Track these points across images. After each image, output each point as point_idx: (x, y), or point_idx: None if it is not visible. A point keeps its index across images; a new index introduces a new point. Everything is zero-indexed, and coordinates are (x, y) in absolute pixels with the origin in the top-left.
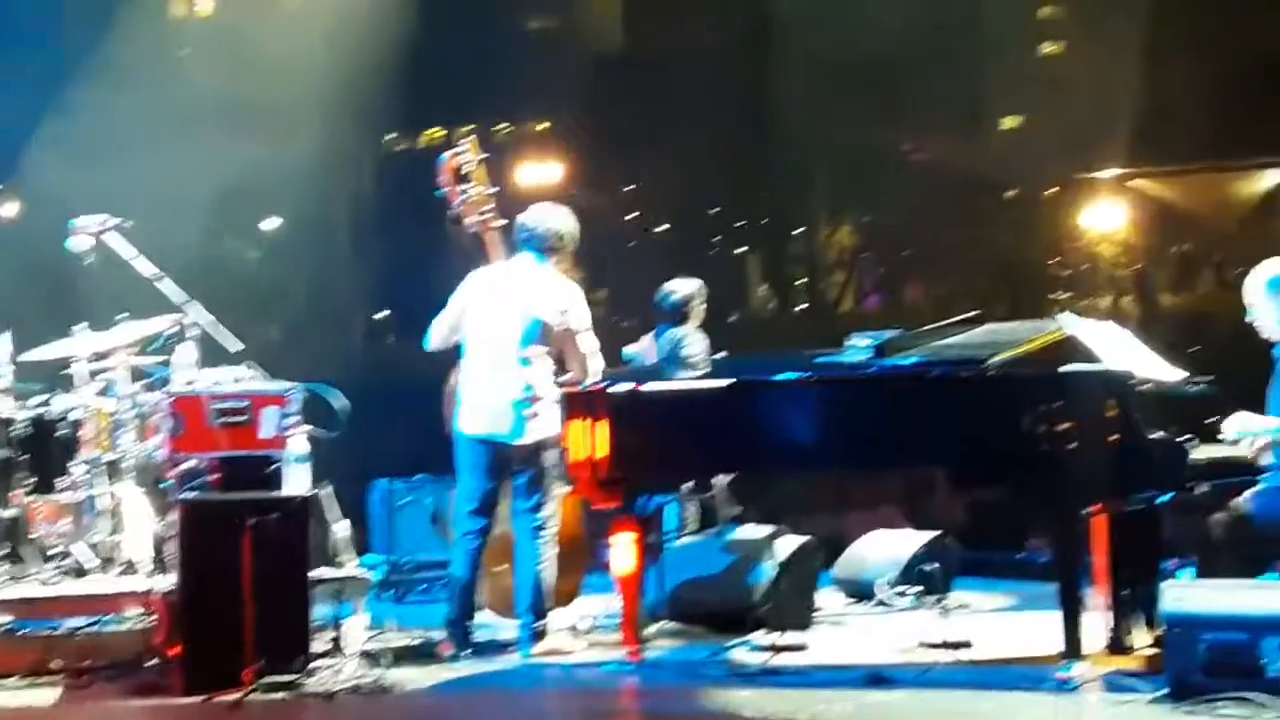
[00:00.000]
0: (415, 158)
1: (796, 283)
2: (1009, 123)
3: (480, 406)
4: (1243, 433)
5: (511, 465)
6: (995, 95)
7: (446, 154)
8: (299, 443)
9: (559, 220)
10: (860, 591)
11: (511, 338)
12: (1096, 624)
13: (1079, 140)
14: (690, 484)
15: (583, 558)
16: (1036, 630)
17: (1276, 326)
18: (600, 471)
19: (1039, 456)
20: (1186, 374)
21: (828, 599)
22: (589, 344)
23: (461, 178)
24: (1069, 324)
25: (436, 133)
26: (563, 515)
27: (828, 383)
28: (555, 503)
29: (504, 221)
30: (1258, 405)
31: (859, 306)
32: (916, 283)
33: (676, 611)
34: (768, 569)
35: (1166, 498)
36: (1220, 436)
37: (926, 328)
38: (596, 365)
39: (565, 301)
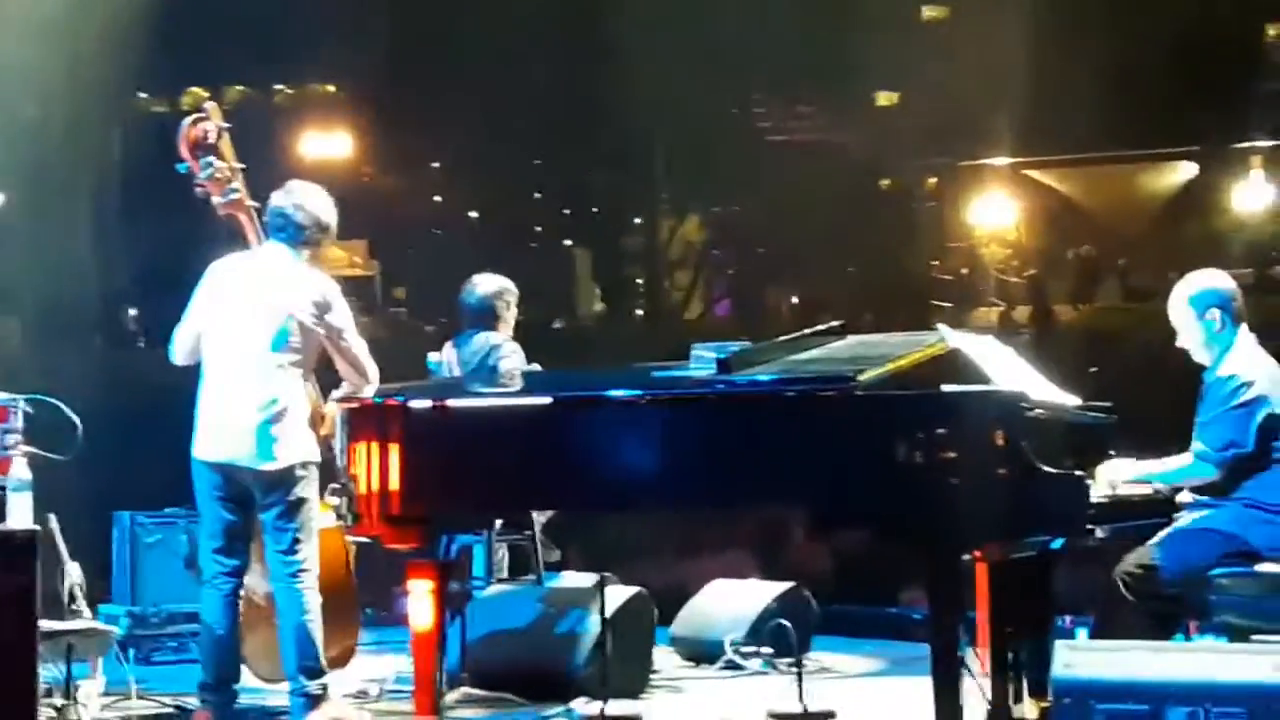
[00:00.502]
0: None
1: (633, 284)
2: (883, 100)
3: (218, 425)
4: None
5: (257, 496)
6: (868, 67)
7: (186, 121)
8: (20, 467)
9: (318, 203)
10: (702, 652)
11: (258, 342)
12: (976, 691)
13: (965, 122)
14: (501, 522)
15: (352, 609)
16: (909, 698)
17: (1205, 349)
18: (392, 505)
19: (913, 492)
20: (1082, 401)
21: (664, 660)
22: (358, 348)
23: (203, 149)
24: (951, 337)
25: (201, 93)
26: (326, 555)
27: (666, 402)
28: (315, 541)
29: (257, 204)
30: (1166, 438)
31: (707, 314)
32: (775, 286)
33: (482, 675)
34: (592, 625)
35: (1060, 543)
36: (1093, 488)
37: (783, 339)
38: (373, 371)
39: (323, 299)
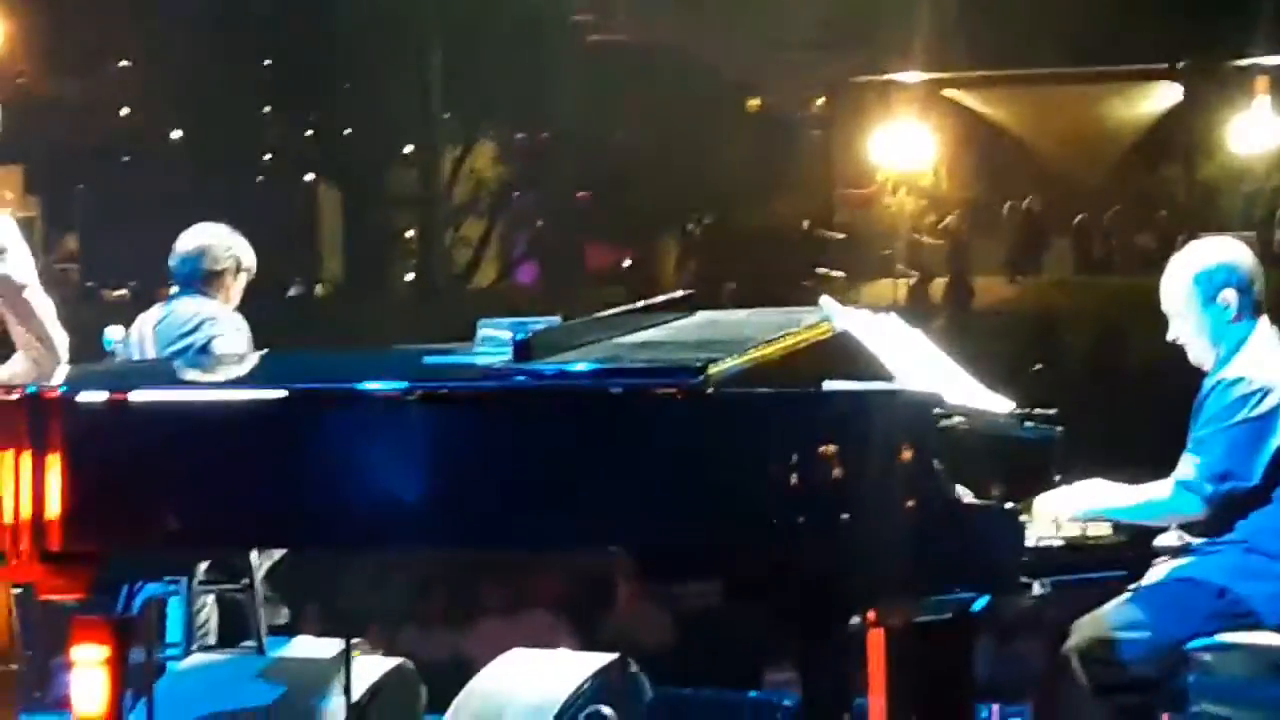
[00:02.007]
0: None
1: (401, 238)
2: None
3: None
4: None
5: None
6: None
7: None
8: None
9: None
10: None
11: None
12: None
13: (864, 22)
14: (207, 565)
15: (10, 680)
16: None
17: (1210, 345)
18: (50, 538)
19: (781, 531)
20: (1020, 406)
21: None
22: (43, 310)
23: None
24: (838, 316)
25: None
26: None
27: (440, 399)
28: None
29: None
30: (1132, 457)
31: (505, 279)
32: (599, 243)
33: None
34: (334, 711)
35: (984, 603)
36: (1030, 527)
37: (605, 314)
38: (63, 342)
39: None
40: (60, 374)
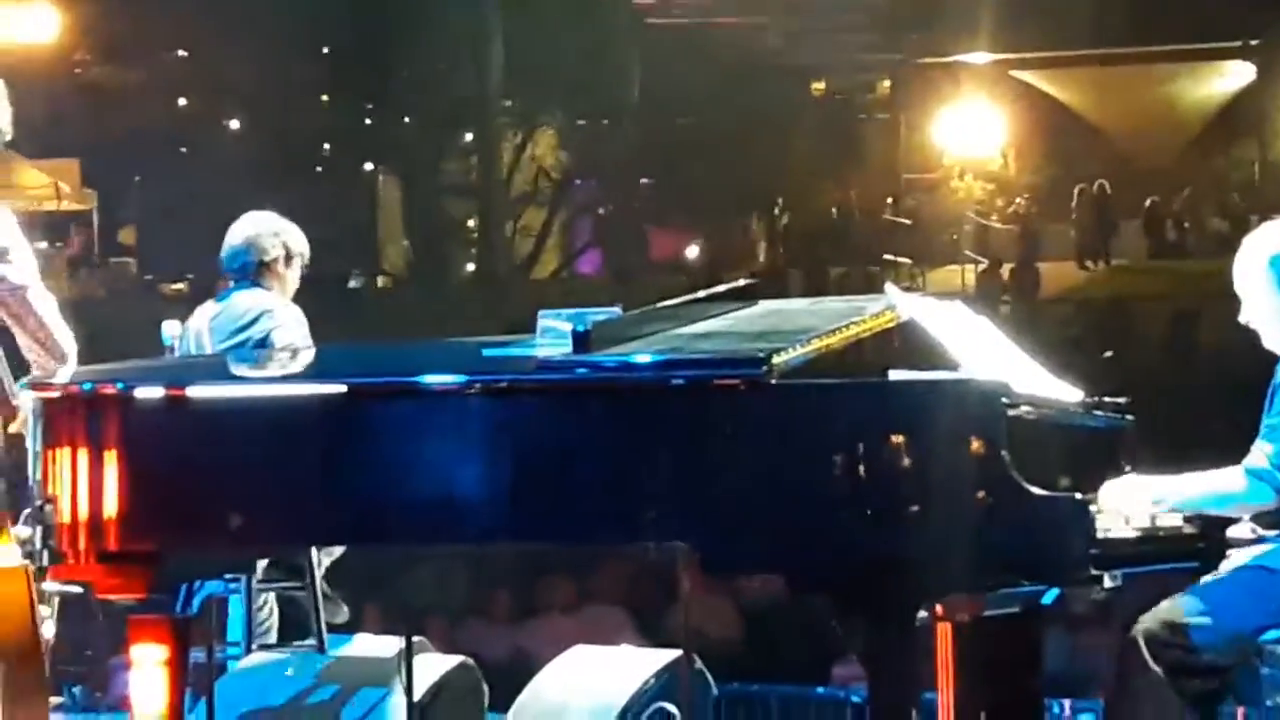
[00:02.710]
0: None
1: (462, 227)
2: None
3: None
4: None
5: None
6: None
7: None
8: None
9: None
10: None
11: None
12: None
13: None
14: (268, 564)
15: (38, 685)
16: None
17: None
18: (108, 538)
19: (847, 524)
20: (1090, 394)
21: None
22: (45, 311)
23: None
24: (904, 304)
25: None
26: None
27: (500, 392)
28: None
29: None
30: (1205, 447)
31: (566, 270)
32: (663, 231)
33: None
34: (395, 709)
35: (1054, 596)
36: (1101, 518)
37: (667, 304)
38: (69, 343)
39: None
40: (110, 369)
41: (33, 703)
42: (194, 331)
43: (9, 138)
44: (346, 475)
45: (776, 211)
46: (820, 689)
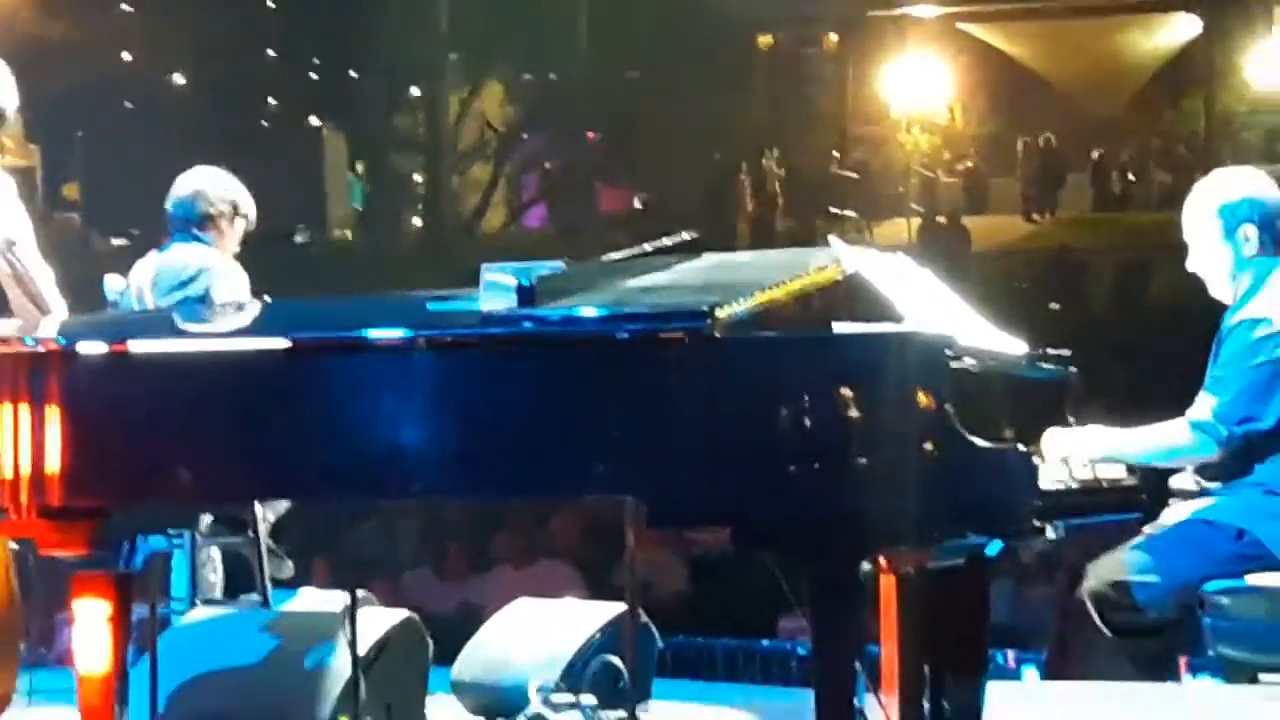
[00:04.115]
0: None
1: (408, 182)
2: None
3: None
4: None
5: None
6: None
7: None
8: None
9: None
10: (498, 702)
11: None
12: None
13: None
14: (212, 519)
15: (13, 639)
16: None
17: (1230, 278)
18: (50, 493)
19: (792, 476)
20: (1035, 347)
21: (445, 714)
22: (40, 274)
23: None
24: (848, 257)
25: None
26: None
27: (445, 346)
28: None
29: None
30: (1150, 398)
31: (513, 224)
32: (610, 186)
33: None
34: (339, 665)
35: (998, 548)
36: (1044, 470)
37: (611, 257)
38: (60, 311)
39: None
40: (56, 324)
41: (7, 665)
42: (136, 286)
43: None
44: (291, 430)
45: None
46: (765, 642)
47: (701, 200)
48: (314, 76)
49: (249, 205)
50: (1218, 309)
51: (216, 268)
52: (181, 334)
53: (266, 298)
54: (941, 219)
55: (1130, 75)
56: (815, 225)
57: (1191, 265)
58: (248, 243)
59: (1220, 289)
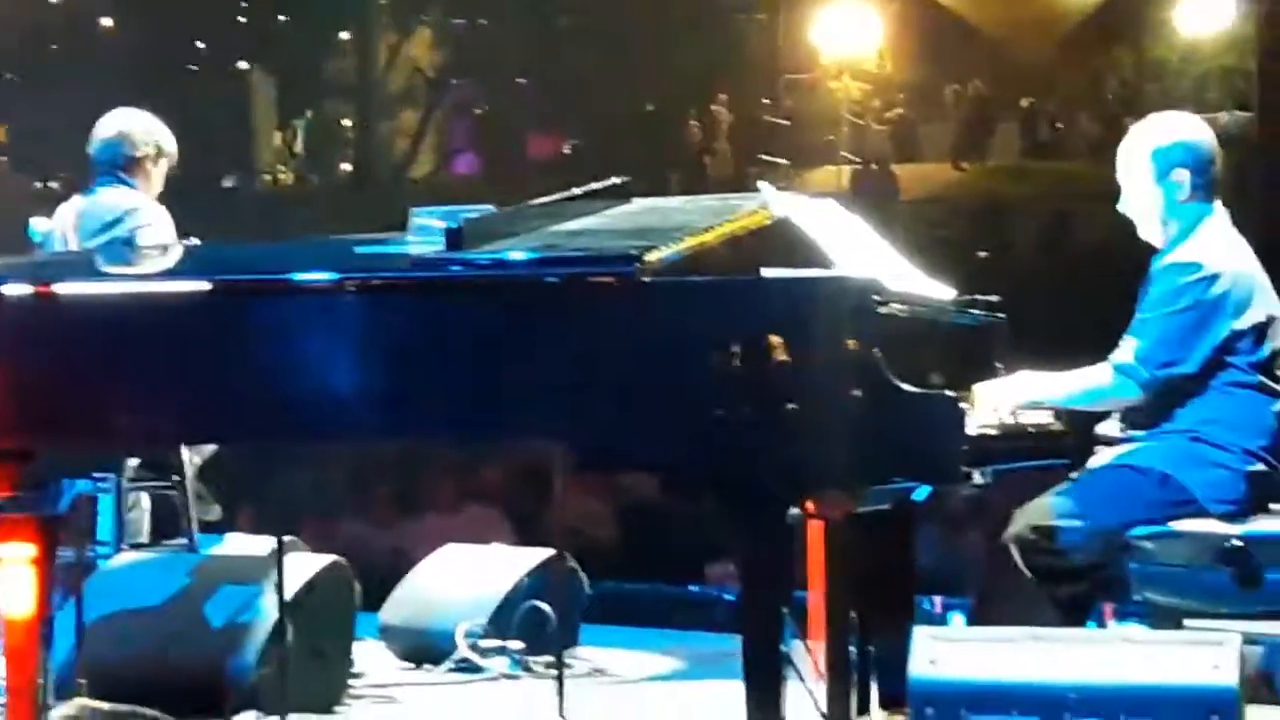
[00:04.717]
0: None
1: (337, 127)
2: None
3: None
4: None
5: None
6: None
7: None
8: None
9: None
10: (426, 648)
11: None
12: (806, 699)
13: None
14: (138, 463)
15: None
16: (712, 709)
17: (1160, 222)
18: None
19: (720, 421)
20: (964, 293)
21: (371, 659)
22: None
23: None
24: (777, 202)
25: None
26: None
27: (372, 289)
28: None
29: None
30: (1078, 345)
31: (442, 170)
32: (539, 132)
33: (106, 680)
34: (266, 610)
35: (925, 493)
36: (971, 415)
37: (541, 201)
38: None
39: None
40: None
41: None
42: (60, 229)
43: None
44: (218, 373)
45: (654, 110)
46: (694, 587)
47: (633, 146)
48: (242, 20)
49: (173, 147)
50: (1144, 256)
51: (142, 210)
52: (106, 276)
53: (193, 239)
54: (873, 166)
55: (1060, 22)
56: (747, 173)
57: (1122, 206)
58: (175, 187)
59: (1149, 231)
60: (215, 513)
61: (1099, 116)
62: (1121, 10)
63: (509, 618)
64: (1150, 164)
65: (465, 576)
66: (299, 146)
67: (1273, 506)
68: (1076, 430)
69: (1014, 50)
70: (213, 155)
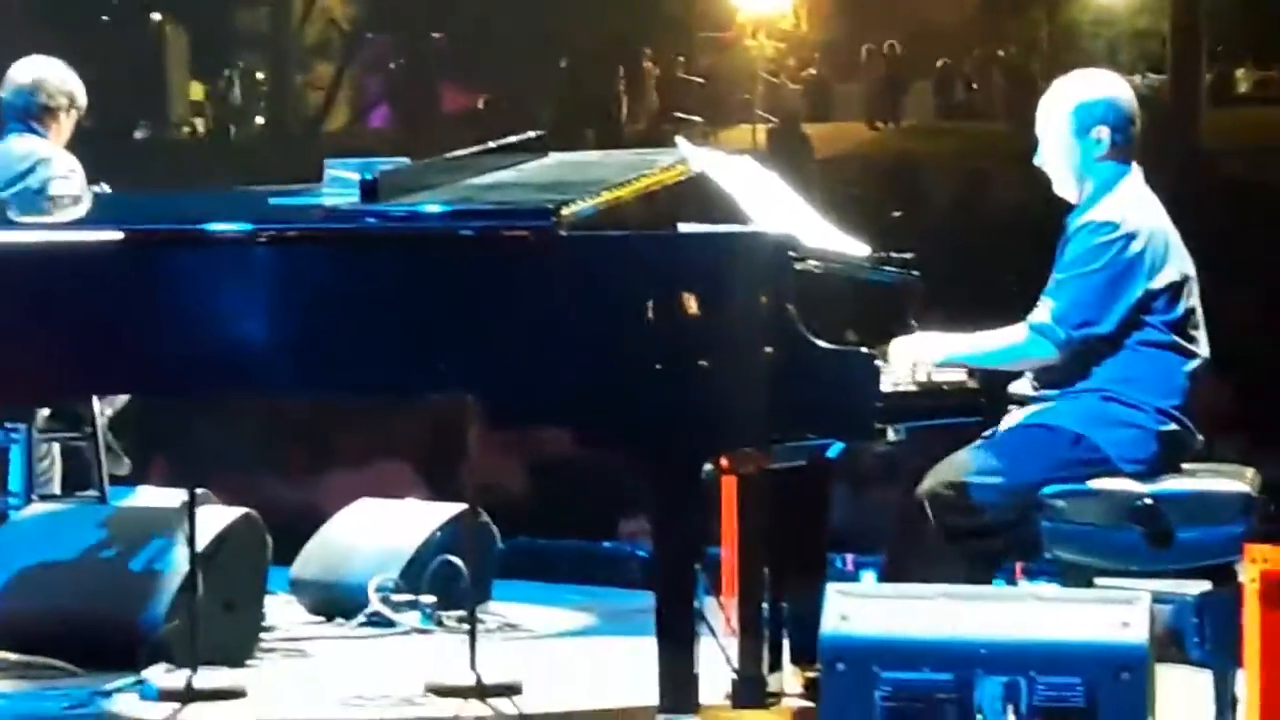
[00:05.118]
0: None
1: (251, 79)
2: None
3: None
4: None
5: None
6: None
7: None
8: None
9: None
10: (337, 601)
11: None
12: (718, 655)
13: None
14: (48, 414)
15: None
16: (624, 665)
17: (1077, 178)
18: None
19: (633, 375)
20: (877, 251)
21: (282, 613)
22: None
23: None
24: (694, 158)
25: None
26: None
27: (285, 241)
28: None
29: None
30: (994, 304)
31: (358, 123)
32: (454, 86)
33: (16, 631)
34: (177, 561)
35: (839, 450)
36: (885, 372)
37: (456, 154)
38: None
39: None
40: None
41: None
42: None
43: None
44: (130, 324)
45: (569, 66)
46: (607, 544)
47: (548, 102)
48: None
49: (83, 98)
50: (1058, 216)
51: (54, 160)
52: (16, 226)
53: (105, 187)
54: (787, 125)
55: None
56: (663, 130)
57: (1038, 160)
58: (85, 138)
59: (1064, 187)
60: (125, 467)
61: (1013, 78)
62: None
63: (421, 572)
64: (1071, 119)
65: (377, 531)
66: (236, 97)
67: (1184, 466)
68: (990, 389)
69: (929, 11)
70: (124, 107)
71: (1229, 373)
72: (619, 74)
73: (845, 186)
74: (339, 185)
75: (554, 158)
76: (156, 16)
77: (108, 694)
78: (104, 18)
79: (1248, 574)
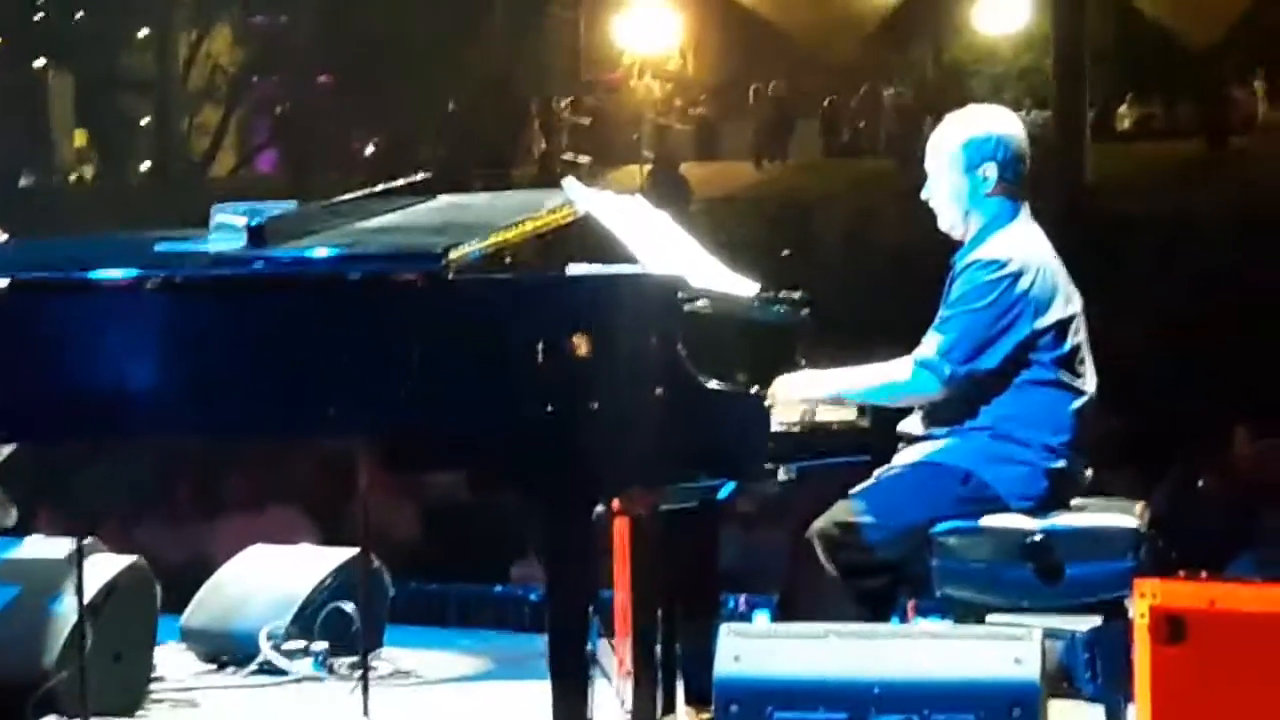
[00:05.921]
0: None
1: (135, 126)
2: None
3: None
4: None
5: None
6: None
7: None
8: None
9: None
10: (229, 649)
11: None
12: (612, 698)
13: None
14: None
15: None
16: (517, 709)
17: (964, 216)
18: None
19: (524, 417)
20: (766, 289)
21: (173, 662)
22: None
23: None
24: (581, 198)
25: None
26: None
27: (172, 287)
28: None
29: None
30: (885, 341)
31: (245, 168)
32: (344, 129)
33: None
34: (65, 611)
35: (730, 490)
36: (775, 412)
37: (344, 198)
38: None
39: None
40: None
41: None
42: None
43: None
44: (14, 370)
45: (457, 109)
46: (498, 588)
47: (437, 143)
48: (39, 17)
49: None
50: (945, 254)
51: None
52: None
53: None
54: (662, 166)
55: (861, 23)
56: (551, 171)
57: (926, 194)
58: None
59: (950, 222)
60: (12, 516)
61: (899, 115)
62: (921, 11)
63: (312, 619)
64: (961, 154)
65: (268, 577)
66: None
67: (1074, 501)
68: (880, 427)
69: (816, 50)
70: (7, 154)
71: (1117, 405)
72: (507, 115)
73: (732, 225)
74: (226, 230)
75: (442, 200)
76: (40, 62)
77: None
78: None
79: (1137, 608)
